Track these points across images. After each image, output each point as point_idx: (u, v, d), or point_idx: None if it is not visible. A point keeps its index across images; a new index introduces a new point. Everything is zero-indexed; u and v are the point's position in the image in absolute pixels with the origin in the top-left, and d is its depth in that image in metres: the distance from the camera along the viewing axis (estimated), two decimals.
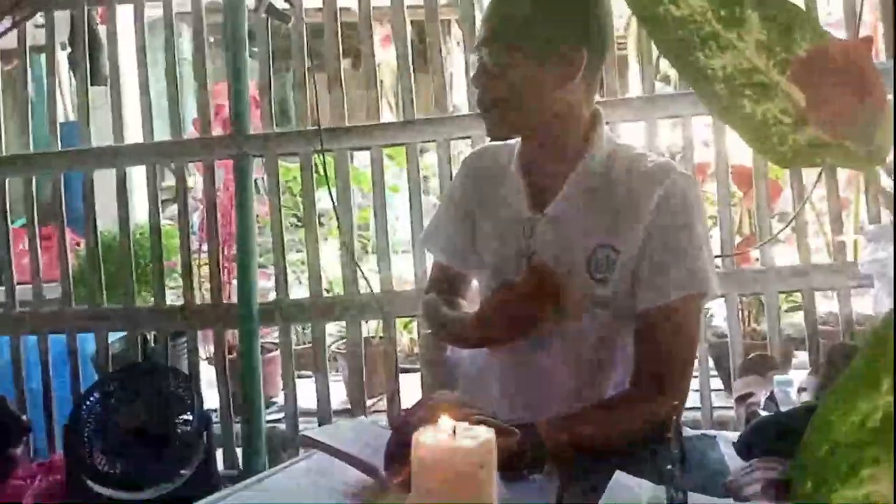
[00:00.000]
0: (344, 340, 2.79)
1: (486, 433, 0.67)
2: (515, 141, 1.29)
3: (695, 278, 1.17)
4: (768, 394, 1.68)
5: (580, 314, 1.21)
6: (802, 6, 2.31)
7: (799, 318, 2.44)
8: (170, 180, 2.97)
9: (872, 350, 0.49)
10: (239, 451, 2.50)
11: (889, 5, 2.44)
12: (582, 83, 1.19)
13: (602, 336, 1.22)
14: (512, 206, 1.27)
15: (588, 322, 1.21)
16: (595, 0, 1.19)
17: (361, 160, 3.12)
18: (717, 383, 2.53)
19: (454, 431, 0.66)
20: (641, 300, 1.18)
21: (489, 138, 1.27)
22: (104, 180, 2.68)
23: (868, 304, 2.37)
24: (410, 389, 2.44)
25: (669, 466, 0.88)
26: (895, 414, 0.43)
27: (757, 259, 2.41)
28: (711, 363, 2.48)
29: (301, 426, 2.50)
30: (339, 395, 2.82)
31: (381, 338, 2.64)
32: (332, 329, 3.18)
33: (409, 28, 4.84)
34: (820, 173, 2.28)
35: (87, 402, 2.30)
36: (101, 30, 2.82)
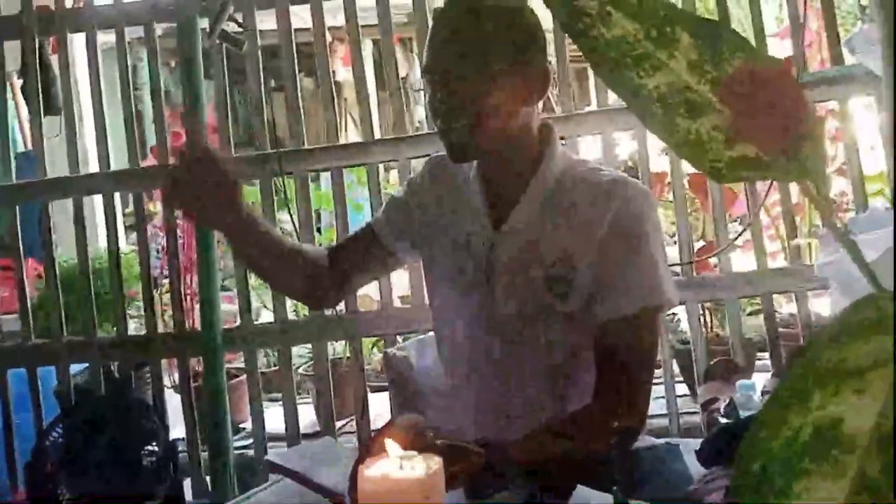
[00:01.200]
0: (311, 362, 2.78)
1: (433, 462, 0.67)
2: None
3: (651, 291, 1.19)
4: (729, 400, 1.70)
5: (538, 330, 1.22)
6: (749, 16, 2.37)
7: (760, 321, 2.48)
8: (132, 207, 2.94)
9: (803, 364, 0.50)
10: (208, 479, 2.46)
11: (889, 6, 2.49)
12: (541, 98, 1.22)
13: (564, 350, 1.23)
14: (470, 219, 1.28)
15: (549, 337, 1.22)
16: (537, 22, 1.22)
17: (328, 180, 3.12)
18: (683, 389, 2.55)
19: (400, 462, 0.66)
20: (599, 313, 1.19)
21: (452, 161, 1.26)
22: (64, 209, 2.64)
23: (826, 305, 2.41)
24: (381, 409, 2.43)
25: (614, 487, 0.89)
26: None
27: (716, 266, 2.44)
28: (677, 370, 2.50)
29: (270, 451, 2.47)
30: (308, 417, 2.79)
31: (348, 358, 2.62)
32: (301, 351, 3.16)
33: (370, 46, 4.87)
34: (772, 180, 2.32)
35: (50, 437, 2.25)
36: (54, 59, 2.79)
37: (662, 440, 1.41)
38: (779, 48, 3.10)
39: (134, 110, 2.62)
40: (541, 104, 1.28)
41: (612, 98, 2.49)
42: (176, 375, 2.68)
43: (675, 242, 2.53)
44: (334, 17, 2.60)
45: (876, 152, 2.59)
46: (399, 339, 2.40)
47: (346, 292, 1.50)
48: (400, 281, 2.51)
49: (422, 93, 1.38)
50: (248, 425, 2.78)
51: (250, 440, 2.58)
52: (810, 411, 0.47)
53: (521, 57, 1.17)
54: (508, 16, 1.19)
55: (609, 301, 1.18)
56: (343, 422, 2.74)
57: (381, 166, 2.54)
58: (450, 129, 1.19)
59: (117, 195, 2.65)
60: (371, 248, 1.38)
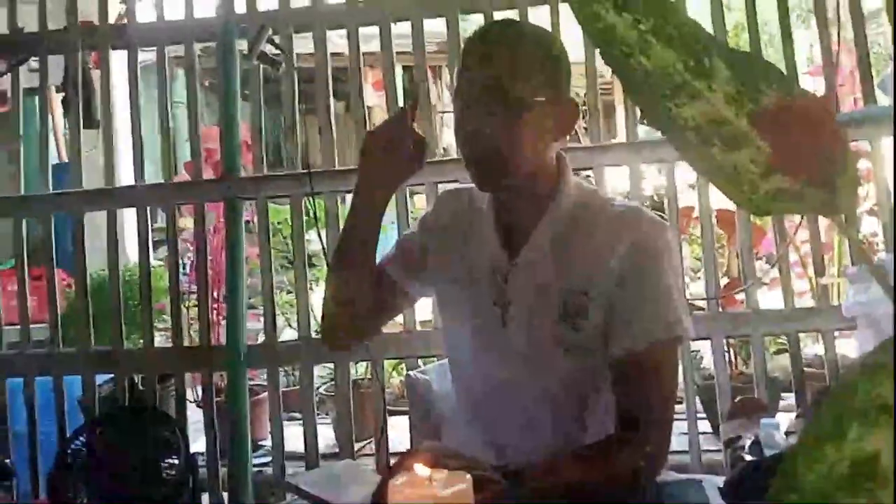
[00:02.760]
0: (333, 382, 2.78)
1: (461, 482, 0.67)
2: None
3: (666, 324, 1.17)
4: (754, 437, 1.68)
5: (553, 362, 1.21)
6: (783, 52, 2.37)
7: (786, 360, 2.45)
8: (163, 222, 2.99)
9: (839, 396, 0.50)
10: (226, 494, 2.47)
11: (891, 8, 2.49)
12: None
13: (578, 381, 1.22)
14: (485, 251, 1.27)
15: (562, 368, 1.21)
16: (566, 56, 1.22)
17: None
18: (705, 426, 2.52)
19: (430, 479, 0.66)
20: (615, 347, 1.18)
21: (480, 190, 1.25)
22: (97, 221, 2.69)
23: (853, 347, 2.38)
24: (399, 432, 2.43)
25: None
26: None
27: (742, 302, 2.42)
28: (699, 406, 2.47)
29: (289, 469, 2.48)
30: (327, 437, 2.79)
31: (369, 380, 2.63)
32: (323, 371, 3.17)
33: (399, 72, 4.93)
34: (802, 217, 2.31)
35: (73, 446, 2.28)
36: (95, 74, 2.86)
37: (686, 476, 1.40)
38: (810, 86, 3.10)
39: (170, 127, 2.67)
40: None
41: (640, 132, 2.50)
42: (199, 389, 2.69)
43: (699, 278, 2.52)
44: (367, 43, 2.65)
45: None
46: (420, 362, 2.40)
47: (364, 334, 1.46)
48: (422, 304, 2.51)
49: (449, 116, 1.39)
50: (267, 442, 2.79)
51: (269, 458, 2.59)
52: (847, 445, 0.47)
53: (552, 89, 1.18)
54: (540, 47, 1.19)
55: (624, 335, 1.17)
56: (362, 443, 2.74)
57: (407, 189, 2.56)
58: (477, 158, 1.19)
59: (148, 209, 2.69)
60: (384, 289, 1.36)
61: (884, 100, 2.33)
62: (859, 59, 2.37)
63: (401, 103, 2.58)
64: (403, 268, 1.37)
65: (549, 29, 2.40)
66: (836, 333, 2.31)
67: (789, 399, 2.49)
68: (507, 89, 1.15)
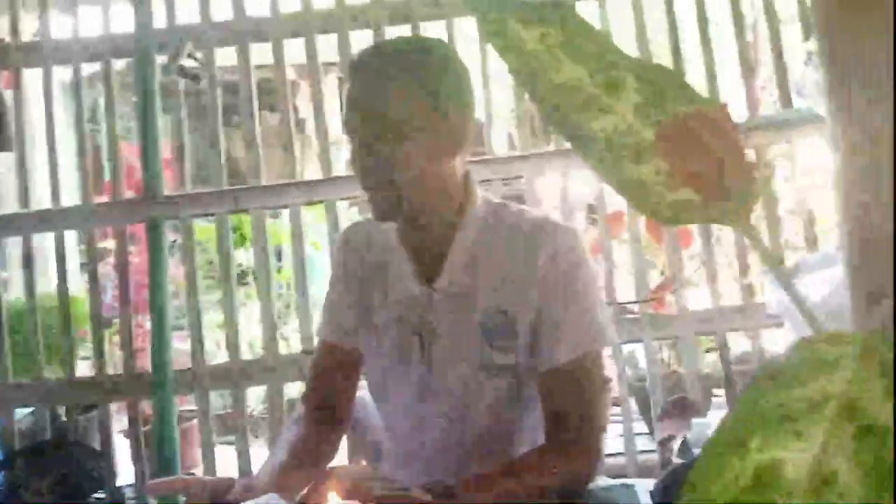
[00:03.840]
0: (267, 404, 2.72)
1: None
2: None
3: (590, 334, 1.17)
4: (684, 438, 1.70)
5: (482, 386, 1.19)
6: (703, 58, 2.43)
7: (717, 358, 2.50)
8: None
9: (742, 405, 0.50)
10: None
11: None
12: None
13: (505, 400, 1.21)
14: (401, 283, 1.23)
15: (491, 391, 1.19)
16: (463, 70, 1.17)
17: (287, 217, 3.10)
18: (641, 427, 2.56)
19: None
20: (540, 362, 1.17)
21: (378, 221, 1.20)
22: (14, 247, 2.58)
23: (780, 342, 2.45)
24: (339, 453, 2.38)
25: None
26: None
27: (672, 303, 2.47)
28: (635, 407, 2.51)
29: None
30: (264, 461, 2.72)
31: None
32: (260, 391, 3.10)
33: (334, 83, 4.89)
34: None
35: None
36: (8, 94, 2.75)
37: (619, 481, 1.40)
38: (732, 91, 3.19)
39: (90, 146, 2.58)
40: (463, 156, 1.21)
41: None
42: (125, 419, 2.60)
43: (632, 282, 2.55)
44: (296, 55, 2.61)
45: (825, 195, 2.65)
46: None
47: (349, 405, 1.38)
48: None
49: None
50: (199, 470, 2.70)
51: None
52: (750, 454, 0.47)
53: (436, 111, 1.12)
54: (424, 68, 1.14)
55: (550, 349, 1.16)
56: None
57: (337, 203, 2.52)
58: (371, 190, 1.16)
59: (70, 233, 2.59)
60: (341, 361, 1.32)
61: (799, 102, 2.40)
62: (776, 64, 2.44)
63: (335, 113, 2.54)
64: (337, 329, 1.32)
65: (479, 39, 2.41)
66: (764, 330, 2.37)
67: (722, 396, 2.55)
68: (384, 116, 1.12)
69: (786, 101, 2.44)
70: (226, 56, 2.53)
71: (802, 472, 0.45)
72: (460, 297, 1.20)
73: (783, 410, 0.48)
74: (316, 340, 1.41)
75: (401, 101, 1.12)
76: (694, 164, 0.68)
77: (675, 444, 1.71)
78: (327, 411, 1.31)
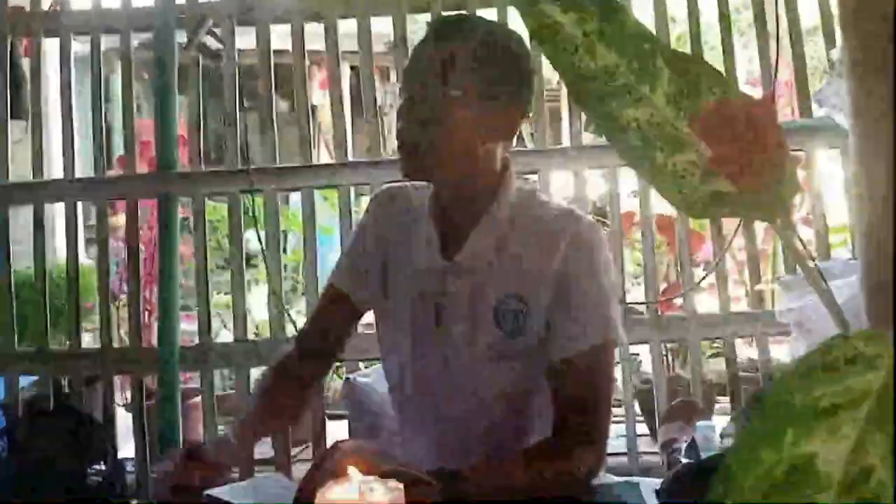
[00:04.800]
0: None
1: (395, 487, 0.65)
2: (426, 184, 1.27)
3: (603, 327, 1.17)
4: (690, 440, 1.70)
5: (490, 365, 1.20)
6: (722, 64, 2.42)
7: (721, 364, 2.49)
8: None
9: (775, 400, 0.49)
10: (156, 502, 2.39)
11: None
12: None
13: (516, 385, 1.21)
14: (423, 252, 1.25)
15: (498, 374, 1.20)
16: (529, 61, 1.21)
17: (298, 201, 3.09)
18: (643, 429, 2.55)
19: (361, 487, 0.63)
20: (552, 351, 1.17)
21: (402, 175, 1.23)
22: (25, 217, 2.58)
23: (786, 352, 2.44)
24: (340, 436, 2.38)
25: None
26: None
27: (680, 306, 2.46)
28: (638, 409, 2.50)
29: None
30: (265, 442, 2.73)
31: None
32: (262, 374, 3.10)
33: (347, 72, 4.90)
34: (739, 224, 2.36)
35: None
36: (25, 62, 2.75)
37: (622, 478, 1.40)
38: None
39: (104, 120, 2.58)
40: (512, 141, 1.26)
41: (585, 139, 2.52)
42: (129, 393, 2.60)
43: (639, 283, 2.55)
44: (313, 42, 2.60)
45: (840, 204, 2.65)
46: (361, 365, 2.37)
47: (333, 358, 1.47)
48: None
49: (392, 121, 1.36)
50: None
51: None
52: (784, 448, 0.46)
53: (489, 97, 1.15)
54: (490, 51, 1.17)
55: (561, 338, 1.16)
56: (299, 448, 2.68)
57: (352, 191, 2.52)
58: (406, 144, 1.17)
59: (80, 205, 2.59)
60: (341, 309, 1.35)
61: (819, 112, 2.39)
62: (796, 72, 2.43)
63: (346, 103, 2.54)
64: (352, 278, 1.34)
65: None
66: (770, 338, 2.37)
67: (724, 402, 2.54)
68: (439, 82, 1.15)
69: (804, 110, 2.42)
70: (241, 40, 2.53)
71: (837, 467, 0.45)
72: (476, 275, 1.21)
73: (818, 405, 0.48)
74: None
75: (459, 75, 1.14)
76: (734, 155, 0.67)
77: (682, 446, 1.70)
78: (317, 356, 1.37)
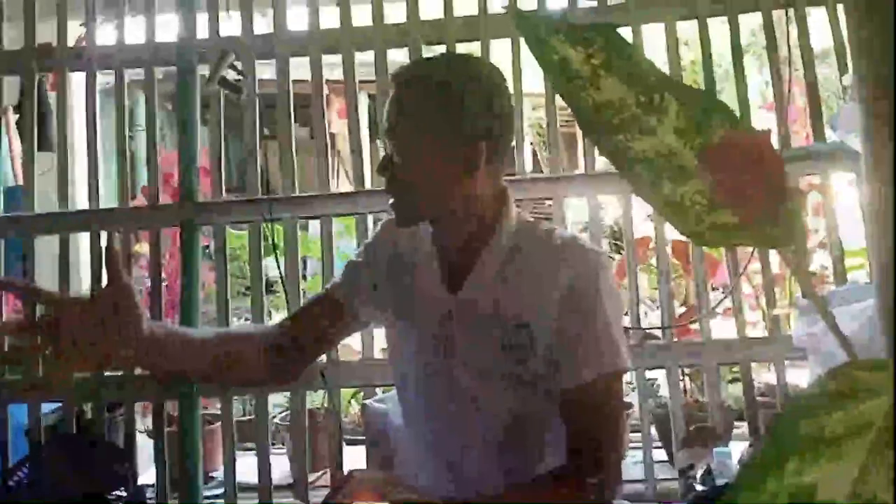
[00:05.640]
0: (289, 412, 2.74)
1: None
2: None
3: (609, 356, 1.18)
4: (706, 466, 1.69)
5: (499, 394, 1.21)
6: (736, 88, 2.44)
7: (739, 389, 2.48)
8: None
9: (780, 429, 0.50)
10: None
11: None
12: (486, 169, 1.20)
13: (525, 414, 1.22)
14: (428, 285, 1.27)
15: (508, 401, 1.21)
16: (493, 92, 1.20)
17: (316, 227, 3.13)
18: (661, 454, 2.54)
19: None
20: (560, 381, 1.18)
21: (397, 226, 1.25)
22: (51, 246, 2.63)
23: (804, 376, 2.42)
24: (356, 462, 2.39)
25: None
26: None
27: (697, 331, 2.46)
28: (655, 434, 2.49)
29: (241, 503, 2.42)
30: (283, 468, 2.74)
31: (326, 409, 2.59)
32: (280, 398, 3.12)
33: (365, 101, 4.95)
34: (753, 250, 2.36)
35: (17, 476, 2.20)
36: (52, 95, 2.82)
37: None
38: (764, 121, 3.19)
39: (128, 151, 2.64)
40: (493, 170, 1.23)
41: (600, 164, 2.54)
42: (150, 419, 2.63)
43: (657, 307, 2.55)
44: (332, 71, 2.65)
45: (856, 228, 2.64)
46: (379, 391, 2.38)
47: (310, 361, 1.43)
48: (381, 333, 2.50)
49: None
50: (219, 474, 2.72)
51: (221, 489, 2.53)
52: (787, 477, 0.47)
53: (460, 129, 1.16)
54: (452, 87, 1.18)
55: (569, 369, 1.17)
56: (317, 474, 2.69)
57: (370, 218, 2.56)
58: (390, 195, 1.21)
59: (104, 234, 2.64)
60: (333, 314, 1.35)
61: (833, 136, 2.40)
62: (810, 97, 2.44)
63: (364, 131, 2.58)
64: (350, 290, 1.36)
65: (511, 59, 2.45)
66: (788, 363, 2.35)
67: (743, 427, 2.52)
68: (409, 127, 1.18)
69: (818, 134, 2.43)
70: (261, 70, 2.59)
71: (840, 496, 0.45)
72: (481, 306, 1.22)
73: (822, 434, 0.49)
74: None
75: (428, 115, 1.17)
76: (735, 186, 0.69)
77: (697, 473, 1.70)
78: (289, 346, 1.31)
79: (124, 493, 2.17)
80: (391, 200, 1.21)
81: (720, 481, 1.60)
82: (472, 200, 1.22)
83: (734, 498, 0.48)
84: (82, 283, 2.88)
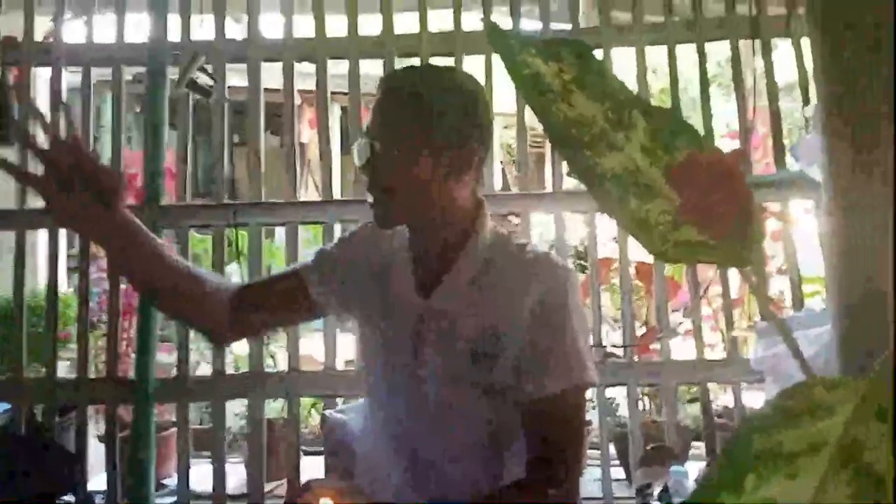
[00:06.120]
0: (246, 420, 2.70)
1: None
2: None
3: (575, 371, 1.19)
4: (664, 485, 1.70)
5: (465, 403, 1.21)
6: (702, 115, 2.49)
7: (697, 409, 2.51)
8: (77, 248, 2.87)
9: (736, 446, 0.51)
10: None
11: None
12: (466, 177, 1.22)
13: (493, 424, 1.22)
14: (401, 289, 1.28)
15: (476, 410, 1.21)
16: (478, 101, 1.23)
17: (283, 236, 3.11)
18: (618, 473, 2.55)
19: None
20: (525, 392, 1.19)
21: (378, 227, 1.26)
22: (6, 243, 2.57)
23: (761, 400, 2.46)
24: (315, 473, 2.36)
25: None
26: None
27: (657, 351, 2.49)
28: (614, 452, 2.50)
29: None
30: (239, 477, 2.70)
31: (284, 419, 2.56)
32: (239, 407, 3.08)
33: (337, 112, 4.96)
34: (715, 272, 2.40)
35: None
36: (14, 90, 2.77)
37: None
38: (728, 148, 3.25)
39: (92, 149, 2.59)
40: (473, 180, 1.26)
41: (567, 183, 2.57)
42: (103, 423, 2.57)
43: (619, 327, 2.57)
44: (304, 81, 2.65)
45: (812, 256, 2.70)
46: (339, 402, 2.36)
47: (252, 329, 1.43)
48: (344, 343, 2.48)
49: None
50: (172, 481, 2.67)
51: (173, 498, 2.48)
52: (745, 494, 0.47)
53: (440, 137, 1.18)
54: (438, 95, 1.20)
55: (535, 380, 1.18)
56: (273, 484, 2.65)
57: (337, 227, 2.54)
58: (372, 197, 1.22)
59: (63, 234, 2.59)
60: (294, 291, 1.33)
61: (794, 165, 2.46)
62: (772, 127, 2.50)
63: (336, 141, 2.57)
64: (319, 277, 1.34)
65: (484, 77, 2.47)
66: (746, 385, 2.39)
67: (700, 448, 2.55)
68: (391, 133, 1.19)
69: (780, 163, 2.49)
70: (233, 77, 2.57)
71: None
72: (451, 315, 1.23)
73: (779, 451, 0.49)
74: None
75: (408, 122, 1.18)
76: (703, 204, 0.70)
77: (655, 491, 1.71)
78: (246, 307, 1.30)
79: (73, 499, 2.11)
80: (370, 201, 1.21)
81: (676, 500, 1.61)
82: (452, 207, 1.23)
83: None
84: (39, 281, 2.81)
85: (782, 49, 2.62)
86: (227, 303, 1.29)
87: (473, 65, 2.56)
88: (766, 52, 2.52)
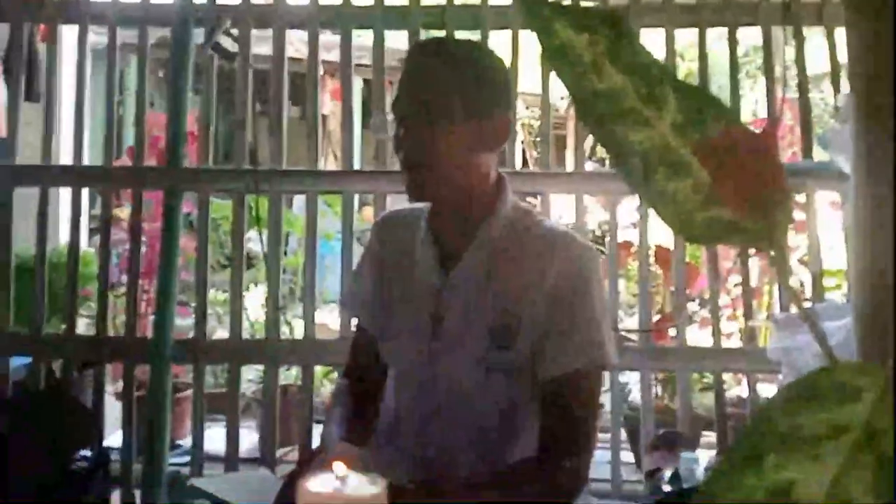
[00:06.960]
0: (262, 385, 2.73)
1: (378, 486, 0.66)
2: (424, 204, 1.30)
3: (593, 350, 1.19)
4: (674, 470, 1.70)
5: (482, 379, 1.21)
6: (730, 102, 2.45)
7: (710, 398, 2.50)
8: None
9: (758, 425, 0.50)
10: (138, 492, 2.38)
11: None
12: (499, 149, 1.24)
13: (509, 401, 1.22)
14: (422, 270, 1.27)
15: (493, 387, 1.21)
16: (504, 70, 1.26)
17: (302, 206, 3.11)
18: (628, 456, 2.55)
19: (344, 480, 0.64)
20: (542, 370, 1.19)
21: (410, 200, 1.27)
22: (29, 199, 2.59)
23: (775, 390, 2.45)
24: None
25: None
26: None
27: (673, 338, 2.47)
28: (624, 436, 2.50)
29: (207, 472, 2.40)
30: (252, 442, 2.74)
31: (299, 386, 2.58)
32: (253, 373, 3.11)
33: (359, 85, 4.94)
34: (735, 261, 2.38)
35: None
36: (42, 46, 2.77)
37: (606, 502, 1.41)
38: None
39: (116, 111, 2.60)
40: (497, 156, 1.28)
41: (587, 166, 2.55)
42: (120, 382, 2.61)
43: (634, 313, 2.56)
44: (328, 52, 2.63)
45: (836, 248, 2.66)
46: None
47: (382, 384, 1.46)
48: None
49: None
50: (186, 442, 2.71)
51: (187, 458, 2.51)
52: (764, 473, 0.47)
53: (477, 107, 1.19)
54: (470, 65, 1.21)
55: (552, 357, 1.18)
56: (285, 449, 2.68)
57: (356, 198, 2.54)
58: (408, 167, 1.21)
59: (85, 192, 2.60)
60: (373, 341, 1.37)
61: (821, 155, 2.42)
62: (801, 116, 2.46)
63: (357, 114, 2.56)
64: (367, 317, 1.38)
65: (511, 53, 2.45)
66: (760, 376, 2.38)
67: (711, 436, 2.54)
68: (428, 103, 1.18)
69: (807, 152, 2.45)
70: (257, 45, 2.56)
71: (817, 495, 0.45)
72: (471, 291, 1.23)
73: (802, 432, 0.48)
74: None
75: (446, 91, 1.18)
76: (734, 182, 0.69)
77: (665, 476, 1.71)
78: (364, 385, 1.38)
79: (88, 454, 2.14)
80: (406, 173, 1.21)
81: (686, 486, 1.61)
82: (480, 180, 1.23)
83: (711, 489, 0.48)
84: (61, 241, 2.84)
85: (813, 41, 2.57)
86: (364, 393, 1.36)
87: (499, 41, 2.54)
88: (799, 40, 2.47)
